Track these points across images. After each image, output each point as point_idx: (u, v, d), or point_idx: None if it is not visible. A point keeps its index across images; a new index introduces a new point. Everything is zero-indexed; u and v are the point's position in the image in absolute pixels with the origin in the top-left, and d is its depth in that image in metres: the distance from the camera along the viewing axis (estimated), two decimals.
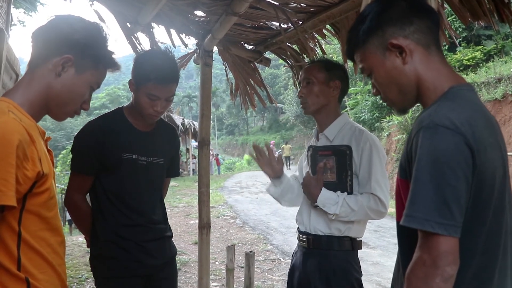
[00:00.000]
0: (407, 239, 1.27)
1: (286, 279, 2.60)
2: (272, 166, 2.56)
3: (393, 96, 1.39)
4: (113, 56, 1.59)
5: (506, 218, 1.25)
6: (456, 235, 1.10)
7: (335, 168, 2.31)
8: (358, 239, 2.39)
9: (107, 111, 2.53)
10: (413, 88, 1.34)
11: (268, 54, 3.79)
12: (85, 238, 2.39)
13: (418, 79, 1.32)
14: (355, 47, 1.43)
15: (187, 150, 28.43)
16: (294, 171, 2.74)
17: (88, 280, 5.92)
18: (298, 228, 2.53)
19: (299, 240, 2.47)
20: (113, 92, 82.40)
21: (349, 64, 3.56)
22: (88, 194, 2.30)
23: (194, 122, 26.59)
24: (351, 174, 2.30)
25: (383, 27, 1.33)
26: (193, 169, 26.99)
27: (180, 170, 25.99)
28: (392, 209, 2.40)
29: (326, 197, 2.27)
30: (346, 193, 2.29)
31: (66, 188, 2.28)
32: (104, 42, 1.56)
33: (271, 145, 31.01)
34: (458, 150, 1.12)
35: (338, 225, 2.31)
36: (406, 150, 1.27)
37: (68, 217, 16.50)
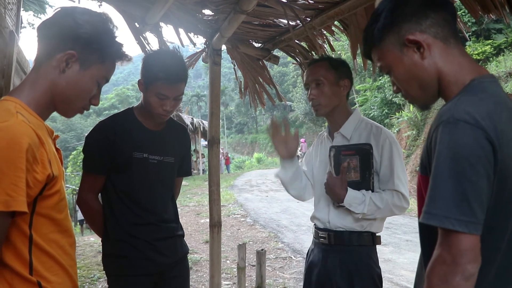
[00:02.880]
0: (428, 236, 1.24)
1: (298, 277, 2.60)
2: (287, 145, 2.49)
3: (414, 93, 1.36)
4: (121, 48, 1.52)
5: None
6: (477, 232, 1.07)
7: (358, 167, 2.30)
8: (377, 234, 2.39)
9: (116, 111, 2.54)
10: (434, 83, 1.30)
11: (276, 52, 3.78)
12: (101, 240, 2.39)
13: (439, 73, 1.29)
14: (371, 46, 1.40)
15: (195, 150, 28.50)
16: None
17: (100, 279, 5.96)
18: (315, 225, 2.52)
19: (318, 237, 2.45)
20: (122, 92, 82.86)
21: (358, 60, 3.54)
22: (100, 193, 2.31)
23: (204, 121, 26.64)
24: (373, 172, 2.30)
25: (398, 24, 1.30)
26: (202, 169, 27.07)
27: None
28: None
29: (352, 197, 2.25)
30: (370, 191, 2.29)
31: (77, 188, 2.30)
32: (111, 34, 1.49)
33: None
34: (479, 145, 1.08)
35: (361, 221, 2.30)
36: (426, 146, 1.24)
37: (79, 217, 16.60)
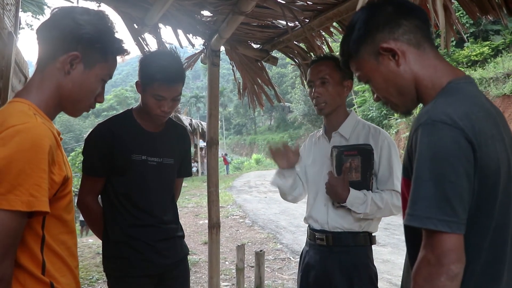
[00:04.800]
0: (413, 238, 1.25)
1: (296, 277, 2.59)
2: (288, 157, 2.50)
3: (393, 99, 1.39)
4: (122, 43, 1.52)
5: None
6: (459, 232, 1.08)
7: (360, 168, 2.31)
8: (373, 234, 2.40)
9: (115, 112, 2.54)
10: (411, 89, 1.33)
11: (275, 53, 3.78)
12: None
13: (415, 78, 1.31)
14: (348, 58, 1.44)
15: (195, 151, 28.50)
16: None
17: (99, 281, 5.95)
18: (309, 226, 2.52)
19: (315, 239, 2.43)
20: (120, 93, 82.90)
21: None
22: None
23: (202, 122, 26.68)
24: (373, 172, 2.31)
25: (372, 34, 1.34)
26: (201, 171, 27.09)
27: (193, 165, 26.15)
28: None
29: (354, 197, 2.26)
30: (371, 192, 2.30)
31: (76, 190, 2.29)
32: (111, 31, 1.49)
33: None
34: (457, 145, 1.10)
35: (360, 221, 2.32)
36: (406, 149, 1.26)
37: (81, 217, 16.62)
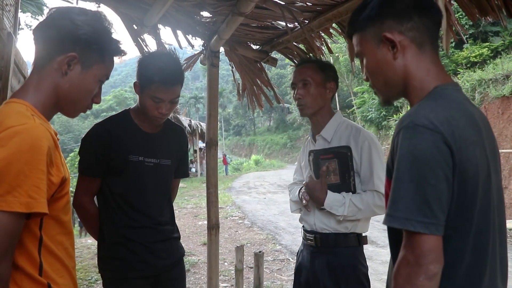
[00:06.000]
0: (395, 238, 1.27)
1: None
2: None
3: (378, 86, 1.42)
4: (119, 44, 1.52)
5: (493, 216, 1.24)
6: (438, 233, 1.11)
7: (337, 170, 2.32)
8: (363, 234, 2.41)
9: (114, 113, 2.52)
10: (399, 84, 1.35)
11: (274, 54, 3.78)
12: None
13: (407, 76, 1.33)
14: (354, 31, 1.45)
15: (195, 151, 28.52)
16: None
17: (98, 282, 5.94)
18: (303, 227, 2.54)
19: (306, 239, 2.48)
20: (120, 94, 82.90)
21: (356, 62, 3.54)
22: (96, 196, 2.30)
23: (201, 123, 26.67)
24: (353, 174, 2.32)
25: (382, 19, 1.34)
26: (200, 172, 27.08)
27: (190, 166, 26.13)
28: None
29: (332, 199, 2.28)
30: (350, 193, 2.31)
31: (74, 190, 2.28)
32: (108, 32, 1.49)
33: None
34: (437, 149, 1.12)
35: (345, 222, 2.32)
36: (390, 151, 1.28)
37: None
